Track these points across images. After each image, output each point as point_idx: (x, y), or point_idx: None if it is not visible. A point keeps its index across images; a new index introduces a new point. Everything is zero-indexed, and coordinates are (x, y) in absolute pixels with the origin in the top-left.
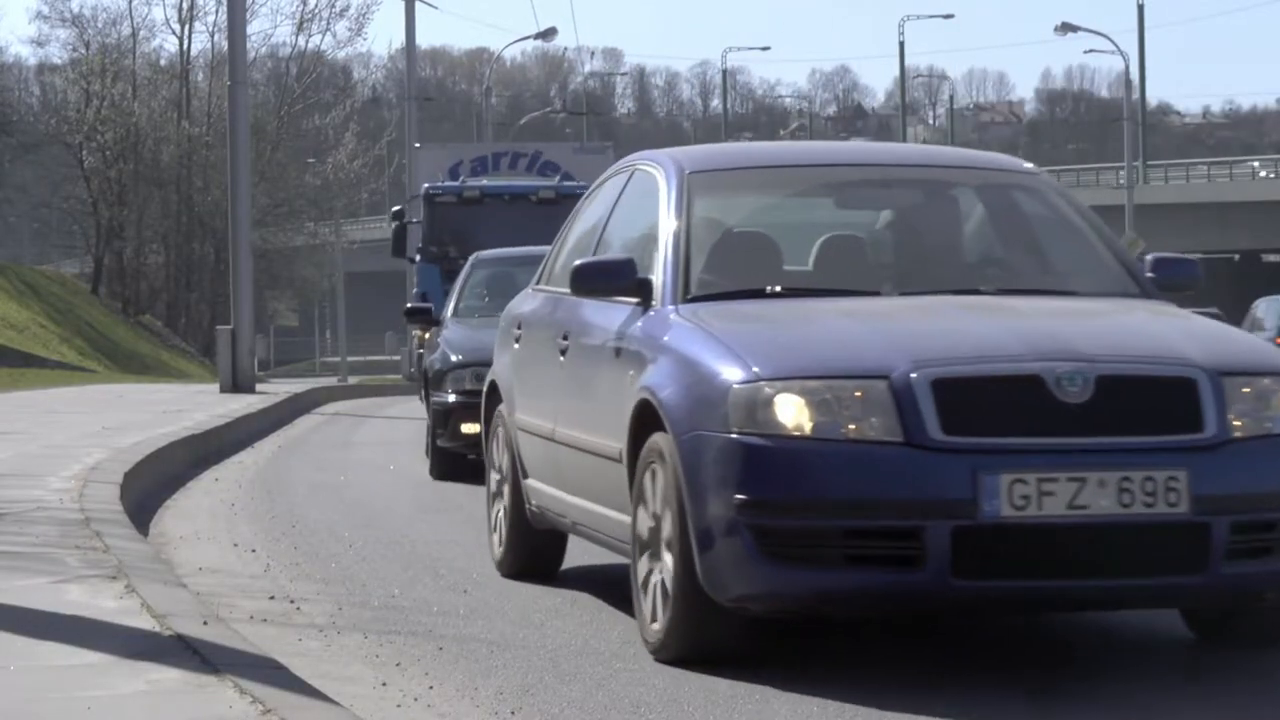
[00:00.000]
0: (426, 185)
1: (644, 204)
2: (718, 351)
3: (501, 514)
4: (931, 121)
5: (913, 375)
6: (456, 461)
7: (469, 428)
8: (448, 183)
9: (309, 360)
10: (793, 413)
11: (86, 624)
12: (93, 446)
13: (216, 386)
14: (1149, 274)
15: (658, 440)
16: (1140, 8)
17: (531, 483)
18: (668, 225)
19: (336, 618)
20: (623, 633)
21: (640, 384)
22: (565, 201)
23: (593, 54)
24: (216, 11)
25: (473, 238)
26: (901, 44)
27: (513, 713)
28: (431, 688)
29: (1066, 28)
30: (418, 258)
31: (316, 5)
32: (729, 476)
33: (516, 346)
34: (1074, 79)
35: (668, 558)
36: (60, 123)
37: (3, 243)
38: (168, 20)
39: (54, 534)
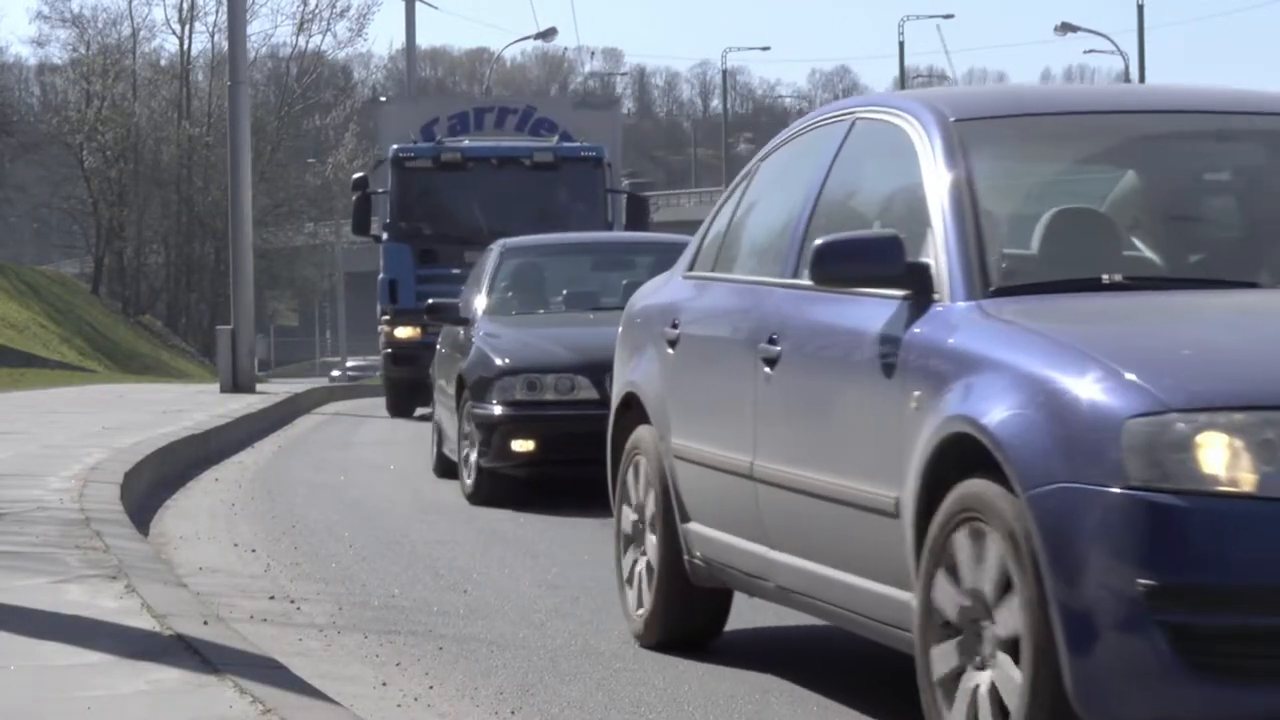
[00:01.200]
0: (395, 147)
1: (886, 164)
2: (1085, 367)
3: (644, 566)
4: None
5: None
6: (503, 484)
7: (521, 444)
8: (421, 143)
9: (309, 360)
10: (1224, 458)
11: (86, 624)
12: (93, 446)
13: (217, 386)
14: None
15: (984, 491)
16: (1140, 8)
17: (696, 528)
18: (940, 192)
19: (336, 618)
20: (623, 633)
21: (947, 411)
22: (567, 166)
23: (593, 54)
24: (216, 11)
25: (453, 210)
26: (901, 44)
27: (513, 713)
28: (431, 688)
29: (1066, 28)
30: (384, 236)
31: (317, 5)
32: (1127, 551)
33: (671, 351)
34: (1074, 79)
35: (1005, 659)
36: (60, 123)
37: (3, 243)
38: (168, 20)
39: (54, 534)
